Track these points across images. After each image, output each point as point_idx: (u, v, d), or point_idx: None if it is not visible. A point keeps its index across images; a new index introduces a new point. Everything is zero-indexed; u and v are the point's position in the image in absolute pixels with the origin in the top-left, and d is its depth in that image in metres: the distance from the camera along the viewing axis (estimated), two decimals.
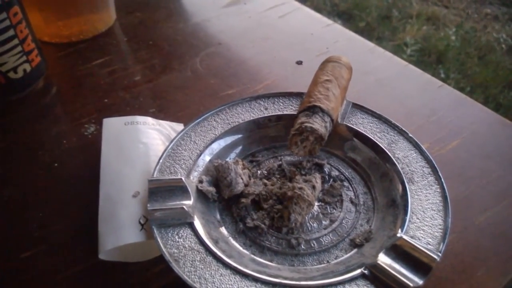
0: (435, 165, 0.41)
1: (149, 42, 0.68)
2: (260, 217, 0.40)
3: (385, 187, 0.42)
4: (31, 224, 0.43)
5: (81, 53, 0.65)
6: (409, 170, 0.42)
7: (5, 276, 0.39)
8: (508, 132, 0.51)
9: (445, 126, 0.52)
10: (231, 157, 0.46)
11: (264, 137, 0.48)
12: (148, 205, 0.38)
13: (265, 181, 0.43)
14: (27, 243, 0.41)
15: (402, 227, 0.37)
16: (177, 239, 0.36)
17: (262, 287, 0.33)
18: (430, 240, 0.36)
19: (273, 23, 0.71)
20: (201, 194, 0.41)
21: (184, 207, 0.38)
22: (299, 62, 0.63)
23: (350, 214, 0.41)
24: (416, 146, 0.43)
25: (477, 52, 1.91)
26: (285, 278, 0.34)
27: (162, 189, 0.39)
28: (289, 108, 0.48)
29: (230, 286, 0.33)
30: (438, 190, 0.40)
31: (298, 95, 0.49)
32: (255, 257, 0.38)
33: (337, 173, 0.45)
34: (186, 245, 0.36)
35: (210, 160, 0.44)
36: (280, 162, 0.46)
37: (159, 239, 0.36)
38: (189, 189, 0.40)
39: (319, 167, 0.45)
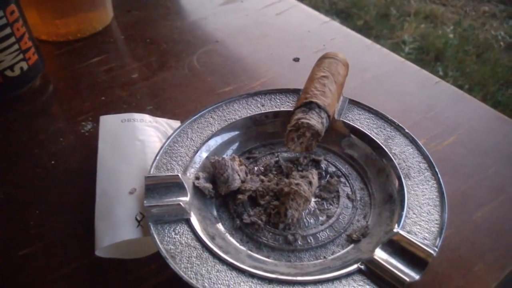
0: (432, 161, 0.41)
1: (146, 40, 0.68)
2: (257, 213, 0.40)
3: (381, 182, 0.42)
4: (28, 221, 0.43)
5: (78, 51, 0.65)
6: (406, 165, 0.42)
7: (2, 274, 0.39)
8: (504, 128, 0.51)
9: (442, 122, 0.52)
10: (228, 153, 0.46)
11: (261, 133, 0.48)
12: (145, 201, 0.38)
13: (262, 177, 0.43)
14: (24, 241, 0.41)
15: (398, 222, 0.37)
16: (174, 236, 0.36)
17: (259, 283, 0.33)
18: (426, 235, 0.36)
19: (270, 21, 0.71)
20: (197, 191, 0.41)
21: (181, 203, 0.38)
22: (296, 59, 0.63)
23: (347, 209, 0.41)
24: (413, 141, 0.43)
25: (475, 49, 1.92)
26: (282, 274, 0.34)
27: (158, 186, 0.39)
28: (286, 104, 0.48)
29: (227, 282, 0.33)
30: (434, 185, 0.40)
31: (295, 91, 0.49)
32: (252, 253, 0.38)
33: (334, 169, 0.45)
34: (183, 242, 0.36)
35: (207, 157, 0.44)
36: (277, 159, 0.46)
37: (155, 236, 0.36)
38: (186, 186, 0.40)
39: (316, 163, 0.45)
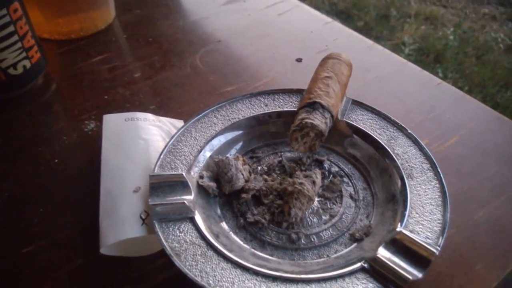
0: (434, 161, 0.42)
1: (149, 39, 0.68)
2: (261, 212, 0.40)
3: (384, 182, 0.43)
4: (32, 219, 0.43)
5: (81, 50, 0.65)
6: (409, 166, 0.42)
7: (7, 271, 0.39)
8: (506, 129, 0.52)
9: (444, 123, 0.52)
10: (232, 153, 0.46)
11: (264, 133, 0.48)
12: (149, 200, 0.38)
13: (266, 176, 0.44)
14: (28, 238, 0.41)
15: (401, 221, 0.37)
16: (178, 234, 0.36)
17: (263, 281, 0.33)
18: (429, 234, 0.36)
19: (272, 21, 0.72)
20: (201, 190, 0.41)
21: (185, 202, 0.38)
22: (299, 60, 0.63)
23: (349, 209, 0.42)
24: (416, 142, 0.44)
25: (475, 51, 1.92)
26: (286, 272, 0.35)
27: (163, 184, 0.39)
28: (289, 104, 0.49)
29: (231, 280, 0.33)
30: (437, 185, 0.40)
31: (298, 92, 0.49)
32: (255, 251, 0.38)
33: (337, 169, 0.45)
34: (187, 240, 0.36)
35: (210, 156, 0.44)
36: (280, 158, 0.46)
37: (160, 234, 0.36)
38: (190, 185, 0.40)
39: (319, 163, 0.45)
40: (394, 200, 0.41)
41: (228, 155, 0.45)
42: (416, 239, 0.35)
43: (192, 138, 0.45)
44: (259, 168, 0.45)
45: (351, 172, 0.45)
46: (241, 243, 0.39)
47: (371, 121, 0.46)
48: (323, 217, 0.41)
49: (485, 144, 0.50)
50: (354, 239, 0.39)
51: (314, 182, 0.41)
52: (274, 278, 0.34)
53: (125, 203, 0.39)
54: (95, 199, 0.40)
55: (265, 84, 0.59)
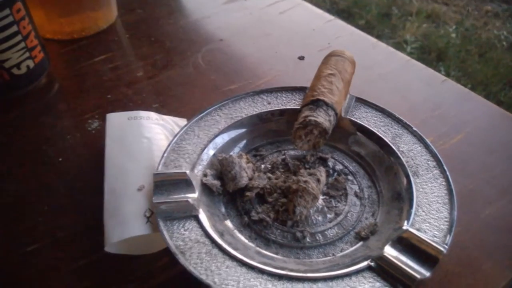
0: (440, 159, 0.41)
1: (151, 38, 0.68)
2: (265, 210, 0.40)
3: (390, 180, 0.42)
4: (36, 218, 0.43)
5: (83, 49, 0.65)
6: (414, 163, 0.42)
7: (11, 270, 0.39)
8: (510, 126, 0.51)
9: (449, 120, 0.52)
10: (235, 151, 0.46)
11: (267, 131, 0.48)
12: (153, 198, 0.38)
13: (269, 175, 0.43)
14: (32, 237, 0.41)
15: (407, 220, 0.37)
16: (183, 232, 0.36)
17: (269, 279, 0.33)
18: (436, 232, 0.36)
19: (274, 19, 0.71)
20: (205, 188, 0.41)
21: (189, 200, 0.38)
22: (301, 58, 0.63)
23: (355, 207, 0.41)
24: (421, 139, 0.43)
25: (478, 49, 1.92)
26: (291, 271, 0.34)
27: (166, 183, 0.39)
28: (292, 102, 0.48)
29: (237, 278, 0.33)
30: (443, 183, 0.40)
31: (301, 89, 0.49)
32: (260, 249, 0.38)
33: (341, 167, 0.45)
34: (192, 238, 0.36)
35: (214, 154, 0.44)
36: (284, 156, 0.46)
37: (164, 232, 0.36)
38: (194, 183, 0.40)
39: (323, 161, 0.45)
40: (400, 198, 0.40)
41: (231, 153, 0.45)
42: (423, 238, 0.35)
43: (196, 137, 0.44)
44: (262, 166, 0.45)
45: (355, 170, 0.45)
46: (246, 241, 0.38)
47: (375, 118, 0.46)
48: (328, 215, 0.40)
49: (490, 142, 0.49)
50: (359, 237, 0.39)
51: (318, 180, 0.40)
52: (280, 277, 0.33)
53: (129, 202, 0.39)
54: (99, 198, 0.40)
55: (267, 82, 0.58)
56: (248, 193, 0.41)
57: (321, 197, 0.42)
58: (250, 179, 0.42)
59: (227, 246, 0.35)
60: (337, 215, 0.41)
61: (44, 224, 0.42)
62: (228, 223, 0.40)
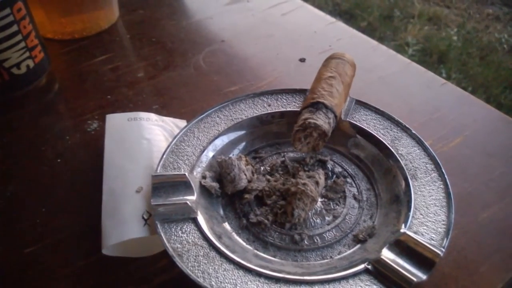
0: (439, 162, 0.41)
1: (152, 39, 0.68)
2: (263, 212, 0.40)
3: (388, 183, 0.42)
4: (35, 219, 0.43)
5: (84, 49, 0.65)
6: (413, 166, 0.42)
7: (9, 271, 0.39)
8: (510, 129, 0.51)
9: (448, 123, 0.52)
10: (234, 153, 0.46)
11: (267, 133, 0.48)
12: (152, 200, 0.38)
13: (268, 177, 0.43)
14: (31, 239, 0.41)
15: (405, 222, 0.37)
16: (181, 234, 0.36)
17: (266, 282, 0.33)
18: (433, 235, 0.36)
19: (276, 21, 0.71)
20: (204, 190, 0.41)
21: (188, 202, 0.38)
22: (302, 60, 0.63)
23: (353, 210, 0.41)
24: (420, 142, 0.43)
25: (479, 52, 1.91)
26: (289, 273, 0.34)
27: (165, 185, 0.39)
28: (292, 104, 0.48)
29: (234, 281, 0.33)
30: (441, 186, 0.40)
31: (301, 91, 0.49)
32: (258, 252, 0.38)
33: (340, 169, 0.45)
34: (190, 240, 0.36)
35: (213, 156, 0.44)
36: (283, 159, 0.46)
37: (162, 234, 0.36)
38: (193, 185, 0.40)
39: (322, 164, 0.45)
40: (398, 201, 0.40)
41: (231, 155, 0.45)
42: (421, 241, 0.35)
43: (195, 138, 0.44)
44: (262, 168, 0.45)
45: (354, 172, 0.45)
46: (244, 244, 0.38)
47: (374, 121, 0.46)
48: (327, 218, 0.41)
49: (489, 145, 0.49)
50: (357, 240, 0.39)
51: (317, 183, 0.40)
52: (277, 280, 0.33)
53: (128, 203, 0.39)
54: (98, 199, 0.40)
55: (268, 84, 0.59)
56: (246, 195, 0.41)
57: (319, 199, 0.42)
58: (249, 181, 0.42)
59: (225, 249, 0.35)
60: (335, 217, 0.41)
61: (42, 225, 0.42)
62: (226, 225, 0.40)
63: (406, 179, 0.41)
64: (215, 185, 0.41)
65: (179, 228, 0.37)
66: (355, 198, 0.42)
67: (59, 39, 0.66)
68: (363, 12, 2.18)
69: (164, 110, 0.54)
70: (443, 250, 0.34)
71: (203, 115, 0.47)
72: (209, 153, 0.44)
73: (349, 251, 0.38)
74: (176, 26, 0.71)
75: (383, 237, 0.37)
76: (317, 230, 0.39)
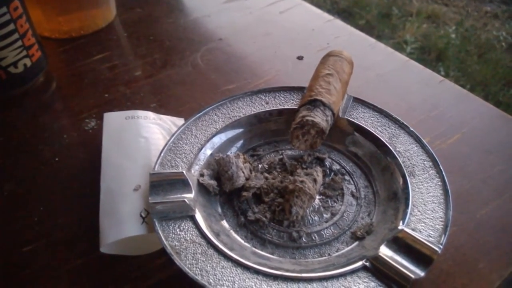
0: (436, 159, 0.41)
1: (150, 37, 0.67)
2: (262, 210, 0.40)
3: (386, 180, 0.42)
4: (32, 218, 0.43)
5: (81, 48, 0.65)
6: (410, 163, 0.42)
7: (6, 270, 0.39)
8: (508, 127, 0.51)
9: (446, 120, 0.52)
10: (232, 151, 0.46)
11: (265, 131, 0.48)
12: (150, 198, 0.38)
13: (266, 175, 0.43)
14: (28, 237, 0.41)
15: (403, 219, 0.37)
16: (179, 232, 0.36)
17: (264, 279, 0.33)
18: (431, 232, 0.36)
19: (274, 19, 0.71)
20: (202, 188, 0.41)
21: (186, 200, 0.38)
22: (300, 58, 0.63)
23: (351, 207, 0.41)
24: (417, 140, 0.43)
25: (477, 50, 1.91)
26: (287, 271, 0.34)
27: (163, 183, 0.39)
28: (290, 102, 0.48)
29: (232, 279, 0.33)
30: (439, 183, 0.40)
31: (299, 89, 0.49)
32: (256, 250, 0.38)
33: (338, 166, 0.45)
34: (188, 238, 0.36)
35: (211, 154, 0.44)
36: (281, 156, 0.46)
37: (160, 232, 0.36)
38: (190, 183, 0.40)
39: (320, 161, 0.45)
40: (396, 198, 0.40)
41: (228, 153, 0.45)
42: (418, 237, 0.35)
43: (193, 136, 0.44)
44: (260, 166, 0.45)
45: (352, 170, 0.45)
46: (242, 241, 0.38)
47: (372, 118, 0.46)
48: (324, 215, 0.41)
49: (487, 142, 0.49)
50: (355, 237, 0.39)
51: (315, 180, 0.40)
52: (275, 277, 0.33)
53: (125, 202, 0.39)
54: (95, 198, 0.40)
55: (266, 82, 0.58)
56: (244, 193, 0.41)
57: (317, 197, 0.42)
58: (247, 179, 0.42)
59: (223, 247, 0.35)
60: (333, 215, 0.41)
61: (39, 224, 0.42)
62: (224, 223, 0.40)
63: (404, 176, 0.41)
64: (213, 183, 0.41)
65: (177, 226, 0.37)
66: (353, 196, 0.42)
67: (56, 37, 0.66)
68: (361, 10, 2.18)
69: (161, 108, 0.54)
70: (441, 247, 0.34)
71: (201, 113, 0.46)
72: (207, 151, 0.44)
73: (347, 248, 0.38)
74: (173, 24, 0.71)
75: (381, 234, 0.37)
76: (315, 228, 0.39)
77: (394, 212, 0.39)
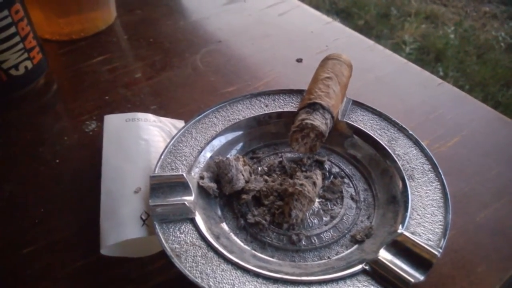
0: (435, 162, 0.42)
1: (150, 39, 0.68)
2: (261, 213, 0.40)
3: (385, 183, 0.43)
4: (33, 220, 0.43)
5: (82, 50, 0.65)
6: (410, 167, 0.42)
7: (7, 271, 0.39)
8: (507, 129, 0.52)
9: (445, 123, 0.52)
10: (232, 153, 0.46)
11: (264, 134, 0.48)
12: (150, 200, 0.38)
13: (266, 177, 0.43)
14: (29, 239, 0.41)
15: (402, 223, 0.37)
16: (179, 235, 0.36)
17: (264, 283, 0.33)
18: (430, 236, 0.36)
19: (273, 21, 0.72)
20: (202, 190, 0.41)
21: (186, 203, 0.38)
22: (299, 60, 0.63)
23: (350, 210, 0.42)
24: (416, 143, 0.44)
25: (476, 50, 1.92)
26: (286, 274, 0.35)
27: (163, 185, 0.39)
28: (289, 105, 0.48)
29: (232, 282, 0.33)
30: (438, 186, 0.40)
31: (299, 92, 0.49)
32: (256, 252, 0.38)
33: (337, 169, 0.45)
34: (188, 241, 0.36)
35: (211, 157, 0.44)
36: (281, 159, 0.46)
37: (160, 235, 0.36)
38: (190, 185, 0.40)
39: (320, 164, 0.45)
40: (395, 201, 0.40)
41: (228, 155, 0.45)
42: (418, 241, 0.35)
43: (193, 139, 0.45)
44: (259, 168, 0.45)
45: (351, 173, 0.45)
46: (242, 244, 0.39)
47: (371, 121, 0.46)
48: (324, 218, 0.41)
49: (486, 145, 0.49)
50: (355, 240, 0.39)
51: (314, 183, 0.40)
52: (275, 280, 0.34)
53: (126, 204, 0.39)
54: (96, 200, 0.40)
55: (265, 84, 0.59)
56: (244, 196, 0.41)
57: (317, 200, 0.42)
58: (247, 181, 0.42)
59: (223, 249, 0.36)
60: (332, 218, 0.41)
61: (40, 226, 0.42)
62: (224, 226, 0.40)
63: (403, 180, 0.41)
64: (213, 185, 0.42)
65: (177, 228, 0.37)
66: (352, 199, 0.42)
67: (57, 40, 0.66)
68: (360, 11, 2.18)
69: (161, 110, 0.55)
70: (441, 250, 0.34)
71: (201, 115, 0.47)
72: (207, 154, 0.44)
73: (346, 252, 0.38)
74: (173, 26, 0.71)
75: (381, 238, 0.38)
76: (315, 231, 0.40)
77: (394, 215, 0.39)
